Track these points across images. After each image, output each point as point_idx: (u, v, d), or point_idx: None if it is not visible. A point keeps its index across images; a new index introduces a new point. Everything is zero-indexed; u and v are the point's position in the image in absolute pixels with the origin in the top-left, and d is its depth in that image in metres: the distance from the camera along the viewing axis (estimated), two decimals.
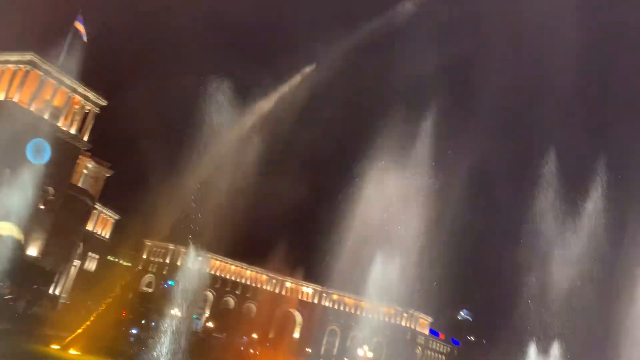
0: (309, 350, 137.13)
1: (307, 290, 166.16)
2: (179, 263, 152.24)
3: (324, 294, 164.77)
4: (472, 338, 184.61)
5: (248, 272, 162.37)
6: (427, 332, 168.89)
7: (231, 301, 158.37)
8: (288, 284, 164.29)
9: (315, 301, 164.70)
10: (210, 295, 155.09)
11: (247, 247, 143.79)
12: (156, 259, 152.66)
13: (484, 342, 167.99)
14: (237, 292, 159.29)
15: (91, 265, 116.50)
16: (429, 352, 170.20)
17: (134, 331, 57.77)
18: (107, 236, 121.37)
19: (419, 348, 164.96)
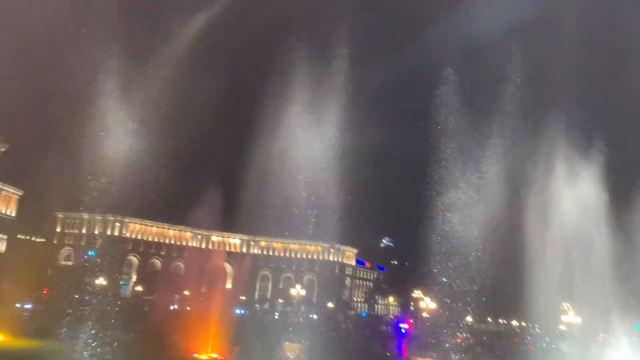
0: (243, 297, 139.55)
1: (234, 241, 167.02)
2: (96, 232, 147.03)
3: (252, 243, 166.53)
4: (396, 262, 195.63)
5: (171, 231, 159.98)
6: (354, 263, 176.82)
7: (157, 263, 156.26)
8: (214, 238, 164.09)
9: (244, 250, 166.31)
10: (134, 259, 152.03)
11: (167, 207, 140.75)
12: (72, 231, 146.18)
13: (407, 264, 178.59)
14: (162, 253, 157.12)
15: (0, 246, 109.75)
16: (357, 281, 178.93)
17: (27, 306, 55.95)
18: (13, 214, 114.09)
19: (348, 279, 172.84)
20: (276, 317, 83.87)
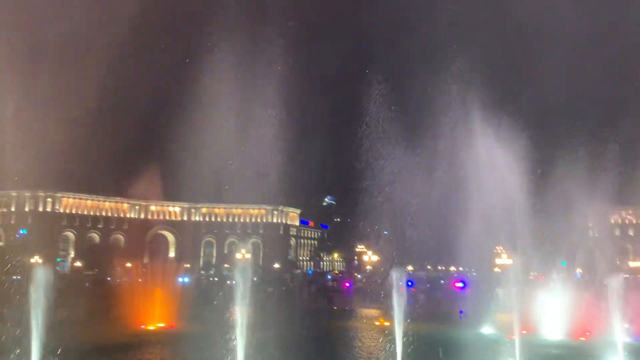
0: (187, 265, 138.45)
1: (174, 209, 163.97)
2: (27, 209, 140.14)
3: (193, 210, 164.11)
4: (339, 219, 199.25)
5: (107, 203, 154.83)
6: (297, 223, 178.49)
7: (95, 236, 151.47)
8: (153, 207, 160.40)
9: (185, 218, 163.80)
10: (71, 235, 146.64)
11: (101, 179, 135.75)
12: (0, 210, 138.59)
13: (349, 220, 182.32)
14: (99, 226, 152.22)
15: None
16: (302, 241, 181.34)
17: None
18: None
19: (293, 239, 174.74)
20: (222, 282, 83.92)
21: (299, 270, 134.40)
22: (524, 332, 35.94)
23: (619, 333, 29.65)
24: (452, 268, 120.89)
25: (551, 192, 44.53)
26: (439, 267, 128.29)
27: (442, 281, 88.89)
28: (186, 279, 79.94)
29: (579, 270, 46.89)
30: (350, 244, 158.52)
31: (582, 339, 34.63)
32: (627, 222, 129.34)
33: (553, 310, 38.35)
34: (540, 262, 43.82)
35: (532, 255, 43.84)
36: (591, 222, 49.27)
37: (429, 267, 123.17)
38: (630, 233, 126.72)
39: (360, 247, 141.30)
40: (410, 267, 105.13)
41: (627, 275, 47.65)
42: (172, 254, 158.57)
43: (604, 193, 44.69)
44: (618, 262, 46.78)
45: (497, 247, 61.78)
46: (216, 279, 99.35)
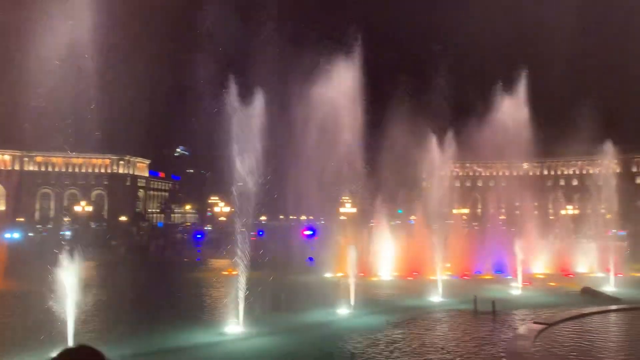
0: (21, 219, 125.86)
1: (3, 157, 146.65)
2: None
3: (26, 159, 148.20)
4: (192, 171, 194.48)
5: None
6: (147, 174, 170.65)
7: None
8: None
9: (17, 168, 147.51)
10: None
11: None
12: None
13: (203, 172, 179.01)
14: None
15: None
16: (151, 192, 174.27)
17: None
18: None
19: (141, 190, 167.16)
20: (58, 236, 77.95)
21: (146, 223, 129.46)
22: (362, 274, 39.06)
23: (440, 272, 33.56)
24: (303, 217, 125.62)
25: (390, 146, 47.99)
26: (291, 217, 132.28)
27: (292, 230, 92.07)
28: (16, 235, 72.89)
29: (413, 217, 51.59)
30: (203, 195, 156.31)
31: (410, 278, 38.72)
32: (454, 174, 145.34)
33: (386, 254, 42.15)
34: (379, 211, 47.23)
35: (373, 204, 47.20)
36: (425, 174, 53.99)
37: (281, 216, 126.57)
38: (457, 184, 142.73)
39: (213, 199, 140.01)
40: (263, 217, 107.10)
41: (451, 221, 53.51)
42: (2, 206, 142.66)
43: (437, 148, 49.08)
44: (446, 210, 52.30)
45: (343, 197, 65.17)
46: (51, 233, 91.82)
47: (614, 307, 25.60)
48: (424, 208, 48.13)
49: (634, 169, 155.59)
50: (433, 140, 44.83)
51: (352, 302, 25.95)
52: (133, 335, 20.14)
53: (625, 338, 20.45)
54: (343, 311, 25.07)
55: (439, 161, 56.50)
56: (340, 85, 43.27)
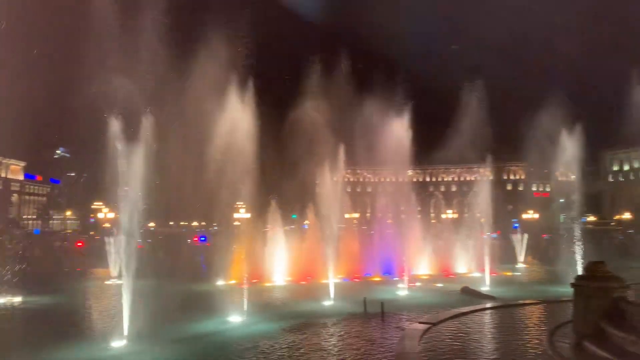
0: None
1: None
2: None
3: None
4: (73, 174, 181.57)
5: None
6: (22, 177, 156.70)
7: None
8: None
9: None
10: None
11: None
12: None
13: (85, 175, 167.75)
14: None
15: None
16: (27, 197, 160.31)
17: None
18: None
19: (15, 195, 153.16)
20: None
21: (20, 231, 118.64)
22: (255, 280, 38.76)
23: (331, 275, 34.23)
24: (195, 223, 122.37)
25: (285, 154, 48.31)
26: (182, 223, 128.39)
27: (184, 236, 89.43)
28: None
29: (307, 222, 52.22)
30: (85, 200, 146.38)
31: (304, 283, 39.14)
32: (346, 180, 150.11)
33: (280, 259, 42.29)
34: (273, 216, 47.24)
35: (267, 209, 47.10)
36: (318, 180, 54.93)
37: (171, 223, 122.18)
38: (349, 190, 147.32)
39: (96, 204, 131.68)
40: (152, 224, 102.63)
41: (343, 226, 54.82)
42: None
43: (330, 156, 50.17)
44: (338, 215, 53.64)
45: (238, 202, 64.38)
46: None
47: (489, 304, 27.66)
48: (317, 213, 48.96)
49: (505, 177, 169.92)
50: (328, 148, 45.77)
51: (245, 309, 25.62)
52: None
53: (500, 332, 22.16)
54: (235, 319, 24.67)
55: (332, 168, 57.74)
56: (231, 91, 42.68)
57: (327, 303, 29.26)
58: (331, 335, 21.91)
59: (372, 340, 20.17)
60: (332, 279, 32.42)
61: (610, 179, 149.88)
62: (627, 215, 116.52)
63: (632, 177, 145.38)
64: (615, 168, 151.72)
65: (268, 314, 25.95)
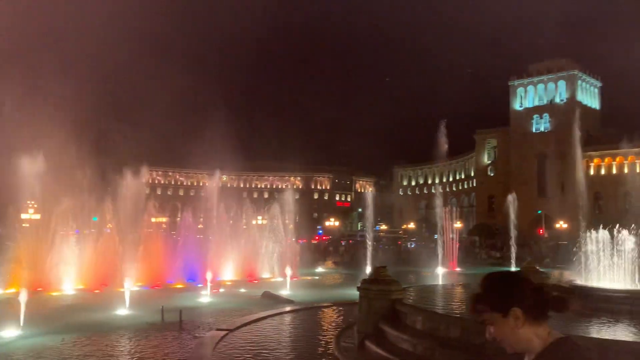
0: None
1: None
2: None
3: None
4: None
5: None
6: None
7: None
8: None
9: None
10: None
11: None
12: None
13: None
14: None
15: None
16: None
17: None
18: None
19: None
20: None
21: None
22: (40, 289, 34.74)
23: (130, 283, 32.21)
24: None
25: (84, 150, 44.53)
26: None
27: None
28: None
29: (109, 226, 48.71)
30: None
31: (97, 291, 36.12)
32: (155, 182, 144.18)
33: (71, 265, 38.49)
34: (68, 218, 43.09)
35: (62, 210, 42.65)
36: (122, 180, 51.98)
37: None
38: (159, 192, 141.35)
39: None
40: None
41: (150, 230, 52.57)
42: None
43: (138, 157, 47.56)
44: (144, 218, 50.99)
45: (28, 201, 57.56)
46: None
47: (288, 308, 28.72)
48: (122, 216, 46.01)
49: (313, 186, 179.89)
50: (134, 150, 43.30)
51: (22, 321, 22.62)
52: None
53: (295, 334, 23.11)
54: (9, 333, 21.64)
55: (138, 169, 54.82)
56: None
57: (122, 312, 27.40)
58: (122, 346, 20.52)
59: (166, 350, 19.39)
60: (129, 287, 30.45)
61: (400, 193, 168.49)
62: (411, 225, 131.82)
63: (417, 192, 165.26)
64: (405, 182, 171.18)
65: (51, 326, 23.30)
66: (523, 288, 3.20)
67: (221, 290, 37.03)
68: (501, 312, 3.18)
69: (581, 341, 12.97)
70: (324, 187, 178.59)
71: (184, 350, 19.23)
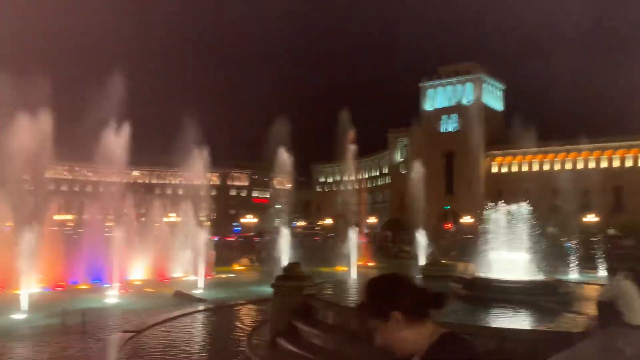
0: None
1: None
2: None
3: None
4: None
5: None
6: None
7: None
8: None
9: None
10: None
11: None
12: None
13: None
14: None
15: None
16: None
17: None
18: None
19: None
20: None
21: None
22: None
23: (29, 284, 30.10)
24: None
25: None
26: None
27: None
28: None
29: (9, 224, 45.27)
30: None
31: None
32: (61, 177, 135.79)
33: None
34: None
35: None
36: (28, 175, 48.65)
37: None
38: (65, 188, 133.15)
39: None
40: None
41: (55, 228, 49.49)
42: None
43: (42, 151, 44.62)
44: (48, 215, 47.86)
45: None
46: None
47: (200, 307, 28.08)
48: (23, 213, 42.87)
49: (229, 182, 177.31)
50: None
51: None
52: None
53: (206, 334, 22.65)
54: None
55: (44, 163, 51.32)
56: None
57: (18, 316, 25.51)
58: (17, 353, 19.08)
59: (66, 355, 18.26)
60: (27, 289, 28.39)
61: (318, 189, 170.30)
62: (329, 221, 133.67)
63: (334, 188, 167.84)
64: (322, 179, 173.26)
65: None
66: (400, 291, 3.25)
67: (129, 290, 35.51)
68: (382, 318, 3.23)
69: (481, 331, 13.70)
70: (241, 183, 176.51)
71: (86, 352, 18.21)
